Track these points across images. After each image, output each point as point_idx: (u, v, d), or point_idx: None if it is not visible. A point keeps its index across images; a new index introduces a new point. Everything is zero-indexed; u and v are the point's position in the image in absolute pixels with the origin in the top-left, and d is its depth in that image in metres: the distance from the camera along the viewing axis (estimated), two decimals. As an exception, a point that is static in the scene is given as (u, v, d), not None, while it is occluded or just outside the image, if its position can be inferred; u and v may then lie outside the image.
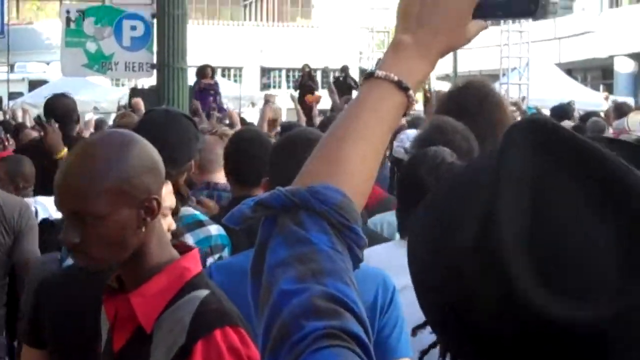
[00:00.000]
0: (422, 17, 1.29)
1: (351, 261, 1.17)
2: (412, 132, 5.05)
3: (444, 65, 26.76)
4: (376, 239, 3.27)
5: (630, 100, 19.89)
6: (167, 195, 2.70)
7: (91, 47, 9.44)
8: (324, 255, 1.13)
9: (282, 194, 1.17)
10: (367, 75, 1.30)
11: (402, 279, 2.64)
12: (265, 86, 41.48)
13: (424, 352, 1.20)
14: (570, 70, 32.68)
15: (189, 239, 3.39)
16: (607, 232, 0.96)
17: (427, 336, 1.15)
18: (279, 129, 8.76)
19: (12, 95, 23.82)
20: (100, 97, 23.03)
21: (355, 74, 22.81)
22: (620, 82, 34.02)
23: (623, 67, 34.58)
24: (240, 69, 43.70)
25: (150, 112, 4.21)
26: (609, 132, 9.21)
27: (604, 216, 0.97)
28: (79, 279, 2.69)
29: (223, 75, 35.10)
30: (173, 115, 3.91)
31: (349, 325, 1.05)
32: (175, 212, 2.89)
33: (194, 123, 3.97)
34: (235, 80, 37.72)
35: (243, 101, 24.75)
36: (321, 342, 1.03)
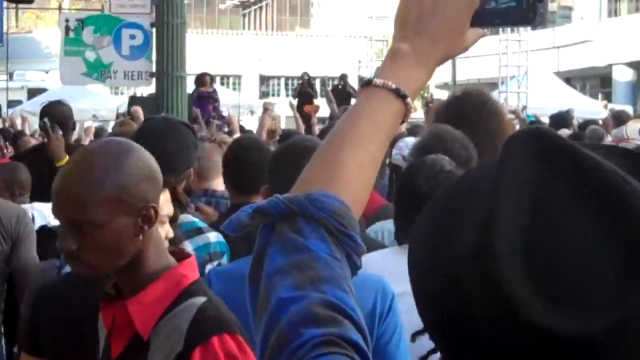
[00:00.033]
0: (420, 25, 1.29)
1: (349, 269, 1.17)
2: (411, 140, 5.05)
3: (443, 73, 26.81)
4: (374, 246, 3.27)
5: (629, 109, 19.91)
6: (165, 203, 2.70)
7: (90, 55, 9.45)
8: (322, 263, 1.13)
9: (280, 202, 1.17)
10: (365, 83, 1.30)
11: (398, 286, 2.64)
12: (264, 94, 41.53)
13: (423, 359, 1.20)
14: (569, 78, 32.73)
15: (188, 246, 3.39)
16: (604, 241, 0.96)
17: (426, 342, 1.15)
18: (277, 137, 8.76)
19: (11, 104, 23.83)
20: (99, 105, 23.06)
21: (354, 83, 22.80)
22: (618, 91, 34.08)
23: (622, 75, 34.64)
24: (239, 77, 43.74)
25: (149, 120, 4.21)
26: (608, 140, 9.21)
27: (601, 226, 0.97)
28: (78, 286, 2.68)
29: (222, 84, 35.16)
30: (172, 124, 3.91)
31: (348, 332, 1.05)
32: (174, 220, 2.89)
33: (193, 131, 3.98)
34: (234, 89, 37.75)
35: (242, 109, 24.75)
36: (320, 350, 1.03)
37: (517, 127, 10.44)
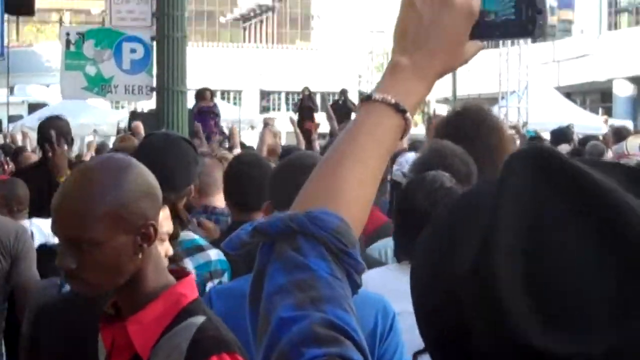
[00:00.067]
0: (419, 39, 1.29)
1: (350, 287, 1.17)
2: (411, 156, 5.05)
3: (443, 88, 26.86)
4: (374, 265, 3.26)
5: (629, 124, 19.94)
6: (165, 221, 2.70)
7: (91, 70, 9.46)
8: (323, 282, 1.12)
9: (280, 220, 1.17)
10: (365, 98, 1.29)
11: (398, 304, 2.64)
12: (264, 109, 41.59)
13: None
14: (570, 93, 32.79)
15: (189, 263, 3.38)
16: (603, 260, 0.96)
17: (427, 362, 1.14)
18: (279, 154, 8.77)
19: (12, 118, 23.85)
20: (99, 119, 23.08)
21: (354, 97, 22.86)
22: (619, 105, 34.14)
23: (622, 90, 34.70)
24: (239, 92, 43.84)
25: (149, 136, 4.21)
26: (609, 156, 9.22)
27: (601, 244, 0.96)
28: (78, 305, 2.68)
29: (222, 98, 35.22)
30: (172, 140, 3.91)
31: (349, 352, 1.05)
32: (174, 237, 2.88)
33: (194, 147, 3.98)
34: (235, 103, 37.82)
35: (242, 124, 24.78)
36: (321, 370, 1.02)
37: (518, 142, 10.45)
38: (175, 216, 2.90)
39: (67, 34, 9.80)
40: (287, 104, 42.78)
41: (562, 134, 12.91)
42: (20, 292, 4.55)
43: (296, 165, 2.87)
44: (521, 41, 24.53)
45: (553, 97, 25.73)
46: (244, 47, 48.53)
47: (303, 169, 2.60)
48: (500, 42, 24.13)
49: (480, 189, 1.15)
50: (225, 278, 3.54)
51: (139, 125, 9.65)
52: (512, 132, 10.56)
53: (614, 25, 36.67)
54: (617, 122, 19.98)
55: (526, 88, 24.76)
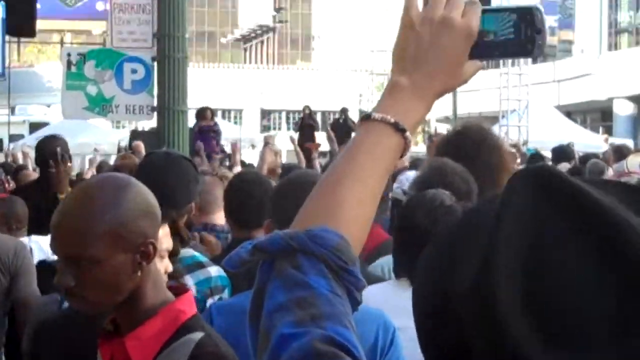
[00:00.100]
0: (418, 59, 1.29)
1: (350, 304, 1.17)
2: (412, 174, 5.05)
3: (444, 107, 26.92)
4: (375, 281, 3.26)
5: (630, 142, 19.95)
6: (164, 238, 2.70)
7: (92, 90, 9.50)
8: (324, 300, 1.12)
9: (280, 238, 1.17)
10: (364, 118, 1.29)
11: (398, 320, 2.64)
12: (265, 128, 41.66)
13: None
14: (570, 112, 32.82)
15: (189, 280, 3.38)
16: (603, 278, 0.96)
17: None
18: (279, 173, 8.78)
19: (13, 138, 23.91)
20: (100, 139, 23.12)
21: (355, 116, 22.89)
22: (619, 124, 34.17)
23: (622, 109, 34.75)
24: (240, 111, 43.90)
25: (150, 155, 4.21)
26: (609, 174, 9.22)
27: (601, 267, 0.96)
28: (78, 321, 2.68)
29: (223, 117, 35.27)
30: (173, 158, 3.91)
31: (349, 369, 1.05)
32: (174, 254, 2.89)
33: (194, 165, 3.98)
34: (236, 122, 37.86)
35: (243, 143, 24.80)
36: (321, 386, 1.02)
37: (518, 160, 10.46)
38: (176, 233, 2.91)
39: (69, 55, 9.84)
40: (287, 122, 42.85)
41: (563, 152, 12.93)
42: (20, 308, 4.56)
43: (297, 183, 2.87)
44: (522, 61, 24.60)
45: (553, 116, 25.75)
46: (244, 68, 48.65)
47: (304, 188, 2.60)
48: (501, 62, 24.20)
49: (481, 207, 1.15)
50: (225, 294, 3.54)
51: (140, 145, 9.67)
52: (513, 150, 10.57)
53: (614, 46, 36.77)
54: (617, 140, 19.97)
55: (527, 107, 24.79)
